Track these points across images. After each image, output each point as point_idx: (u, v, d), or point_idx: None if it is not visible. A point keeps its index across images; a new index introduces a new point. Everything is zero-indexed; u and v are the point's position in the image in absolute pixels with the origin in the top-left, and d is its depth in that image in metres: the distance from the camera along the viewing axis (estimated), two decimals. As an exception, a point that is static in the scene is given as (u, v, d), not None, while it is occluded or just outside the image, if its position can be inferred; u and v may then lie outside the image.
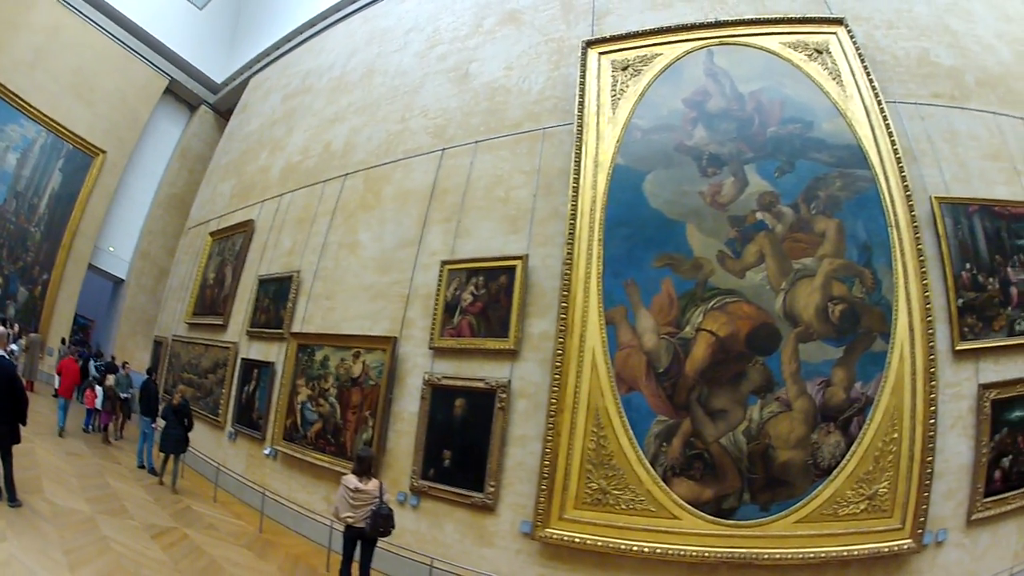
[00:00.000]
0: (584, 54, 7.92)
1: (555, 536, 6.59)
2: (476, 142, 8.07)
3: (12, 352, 11.18)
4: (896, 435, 6.30)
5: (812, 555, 6.16)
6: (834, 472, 6.27)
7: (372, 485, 6.56)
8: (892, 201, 6.73)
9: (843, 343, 6.45)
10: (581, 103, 7.46)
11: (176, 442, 9.75)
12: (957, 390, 6.68)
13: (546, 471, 6.67)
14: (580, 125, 7.34)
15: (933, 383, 6.34)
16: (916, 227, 6.66)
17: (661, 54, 7.78)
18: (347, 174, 9.22)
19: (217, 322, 11.63)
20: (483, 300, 7.48)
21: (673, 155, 7.02)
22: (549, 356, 6.91)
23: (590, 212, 6.95)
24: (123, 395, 12.44)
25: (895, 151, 6.90)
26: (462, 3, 9.90)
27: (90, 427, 12.43)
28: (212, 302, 12.30)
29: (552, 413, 6.72)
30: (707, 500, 6.36)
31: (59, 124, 14.75)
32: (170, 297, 14.73)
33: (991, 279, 6.97)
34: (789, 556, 6.16)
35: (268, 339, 10.11)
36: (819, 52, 7.54)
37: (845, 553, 6.15)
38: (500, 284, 7.39)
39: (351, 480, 6.53)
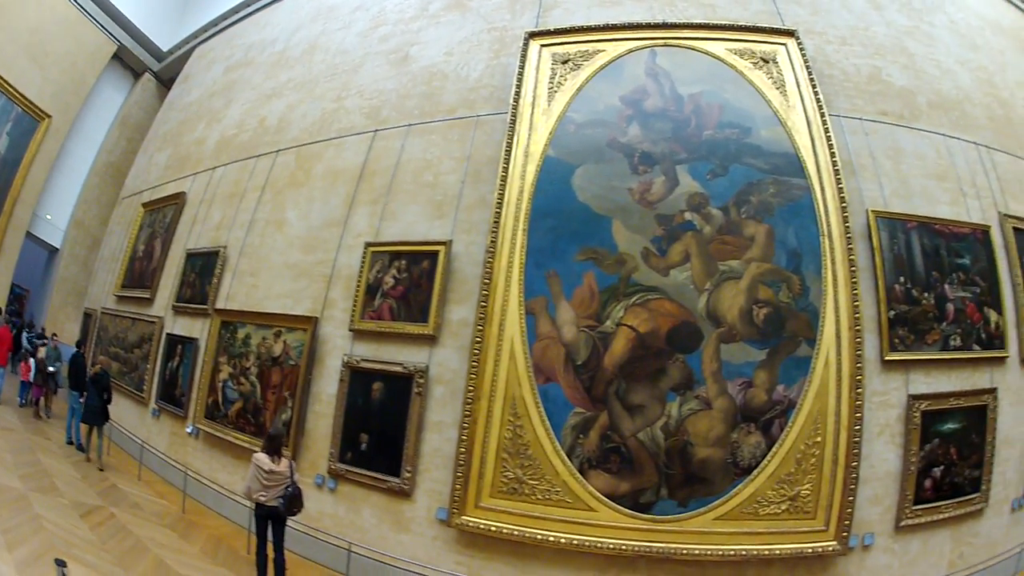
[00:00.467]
0: (526, 45, 7.49)
1: (471, 524, 6.25)
2: (409, 125, 7.57)
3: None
4: (819, 439, 6.16)
5: (733, 552, 5.98)
6: (754, 472, 6.09)
7: (284, 465, 6.21)
8: (826, 211, 6.57)
9: (767, 346, 6.26)
10: (517, 93, 7.02)
11: (96, 414, 9.18)
12: (885, 399, 6.60)
13: (462, 458, 6.31)
14: (514, 115, 6.90)
15: (859, 390, 6.22)
16: (850, 238, 6.51)
17: (604, 50, 7.42)
18: (279, 150, 8.59)
19: (144, 295, 10.79)
20: (405, 284, 6.99)
21: (605, 150, 6.68)
22: (468, 343, 6.50)
23: (517, 202, 6.55)
24: (50, 368, 11.51)
25: (834, 162, 6.73)
26: (412, -15, 9.39)
27: (24, 401, 11.79)
28: (140, 275, 11.41)
29: (469, 400, 6.33)
30: (624, 493, 6.10)
31: (11, 86, 13.50)
32: (101, 268, 13.70)
33: (926, 294, 6.91)
34: (709, 552, 5.97)
35: (193, 315, 9.39)
36: (765, 61, 7.32)
37: (767, 552, 5.99)
38: (422, 269, 6.92)
39: (263, 460, 6.11)
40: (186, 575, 6.02)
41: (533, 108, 6.94)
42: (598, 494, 6.13)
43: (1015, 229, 7.86)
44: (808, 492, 6.15)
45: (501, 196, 6.61)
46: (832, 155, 6.78)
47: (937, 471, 6.75)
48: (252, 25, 11.97)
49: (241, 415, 8.24)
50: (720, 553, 6.01)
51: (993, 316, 7.33)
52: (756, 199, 6.51)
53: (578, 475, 6.16)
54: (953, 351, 6.96)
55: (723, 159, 6.63)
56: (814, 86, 7.13)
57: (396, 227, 7.26)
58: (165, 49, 15.80)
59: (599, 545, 6.03)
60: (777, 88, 7.13)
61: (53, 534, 6.01)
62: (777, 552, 6.04)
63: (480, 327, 6.40)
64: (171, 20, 16.13)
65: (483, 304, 6.43)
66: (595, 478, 6.16)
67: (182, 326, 9.60)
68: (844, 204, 6.62)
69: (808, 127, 6.91)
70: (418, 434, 6.74)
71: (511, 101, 7.00)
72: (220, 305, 8.81)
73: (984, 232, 7.51)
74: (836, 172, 6.72)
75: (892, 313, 6.70)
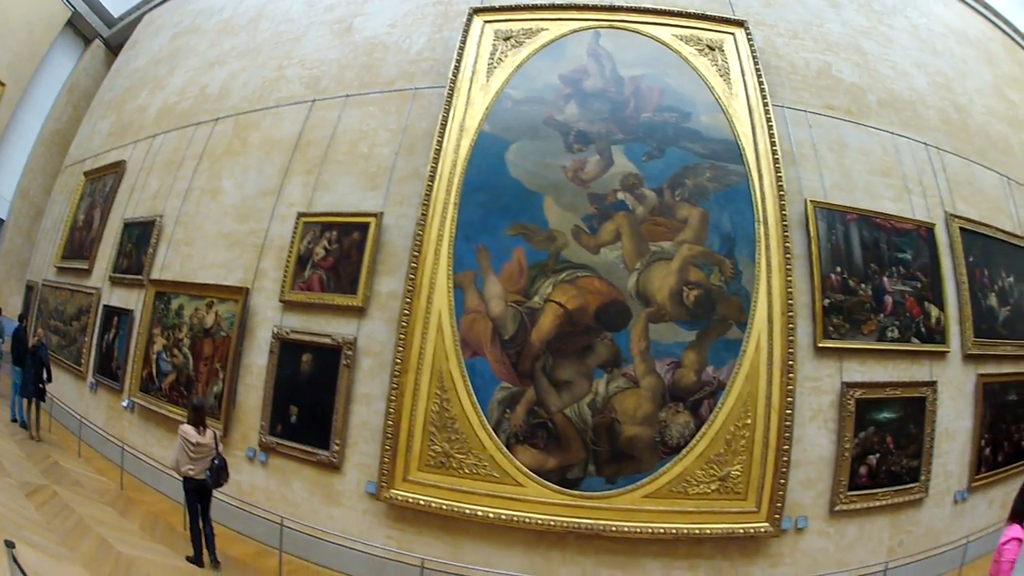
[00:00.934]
0: (469, 20, 7.46)
1: (400, 498, 6.33)
2: (347, 96, 7.53)
3: None
4: (749, 421, 6.31)
5: (663, 531, 6.12)
6: (683, 451, 6.22)
7: (208, 436, 6.30)
8: (763, 198, 6.68)
9: (696, 327, 6.39)
10: (457, 68, 7.01)
11: (35, 386, 9.12)
12: (818, 384, 6.76)
13: (390, 431, 6.37)
14: (452, 89, 6.89)
15: (791, 375, 6.37)
16: (786, 225, 6.63)
17: (547, 29, 7.45)
18: (218, 119, 8.50)
19: (83, 267, 10.61)
20: (335, 255, 7.00)
21: (541, 127, 6.73)
22: (396, 315, 6.54)
23: (449, 175, 6.58)
24: (-8, 345, 11.34)
25: (774, 151, 6.83)
26: (362, -45, 9.31)
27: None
28: (80, 246, 11.19)
29: (396, 373, 6.39)
30: (551, 469, 6.21)
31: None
32: (43, 239, 13.41)
33: (863, 285, 7.08)
34: (638, 530, 6.10)
35: (129, 285, 9.26)
36: (711, 49, 7.39)
37: (697, 531, 6.14)
38: (353, 240, 6.92)
39: (191, 432, 6.17)
40: (127, 553, 6.02)
41: (472, 83, 6.96)
42: (525, 469, 6.24)
43: (962, 229, 8.13)
44: (738, 473, 6.31)
45: (434, 169, 6.63)
46: (773, 144, 6.89)
47: (873, 458, 6.96)
48: (202, -10, 11.79)
49: (174, 387, 8.21)
50: (650, 531, 6.15)
51: (934, 311, 7.57)
52: (691, 182, 6.62)
53: (505, 450, 6.26)
54: (890, 342, 7.17)
55: (660, 142, 6.73)
56: (759, 76, 7.24)
57: (329, 198, 7.25)
58: (116, 15, 15.50)
59: (528, 520, 6.15)
60: (721, 76, 7.24)
61: (2, 515, 6.01)
62: (708, 531, 6.21)
63: (408, 300, 6.44)
64: (123, -15, 15.81)
65: (412, 277, 6.47)
66: (522, 453, 6.27)
67: (119, 297, 9.50)
68: (782, 192, 6.75)
69: (750, 115, 7.03)
70: (347, 407, 6.79)
71: (450, 75, 7.01)
72: (155, 276, 8.72)
73: (928, 230, 7.74)
74: (776, 161, 6.84)
75: (827, 301, 6.87)
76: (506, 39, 7.31)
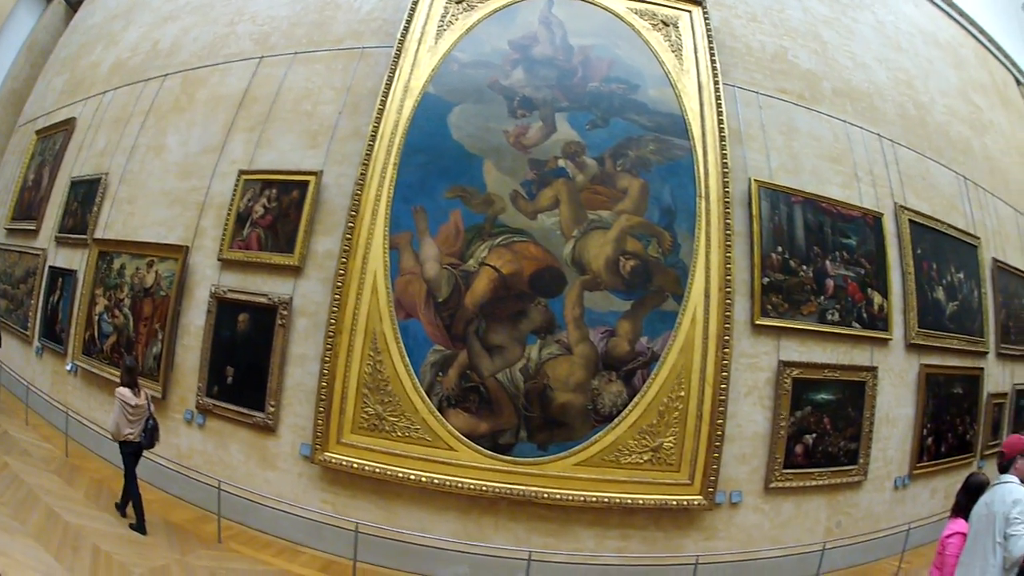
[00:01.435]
0: (421, -21, 7.55)
1: (334, 460, 6.40)
2: (295, 53, 7.54)
3: None
4: (683, 393, 6.45)
5: (595, 499, 6.24)
6: (616, 420, 6.35)
7: (143, 397, 6.33)
8: (706, 174, 6.81)
9: (632, 297, 6.51)
10: (406, 28, 7.05)
11: None
12: (754, 361, 6.92)
13: (324, 393, 6.45)
14: (400, 49, 6.92)
15: (727, 350, 6.52)
16: (728, 202, 6.77)
17: (502, -6, 7.54)
18: (167, 74, 8.46)
19: (30, 227, 10.51)
20: (274, 213, 7.01)
21: (485, 91, 6.80)
22: (332, 275, 6.60)
23: (391, 136, 6.62)
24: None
25: (721, 129, 6.95)
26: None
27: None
28: (29, 206, 11.10)
29: (331, 334, 6.46)
30: (483, 434, 6.31)
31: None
32: (-3, 201, 13.31)
33: (804, 266, 7.25)
34: (571, 498, 6.22)
35: (73, 245, 9.20)
36: (666, 24, 7.49)
37: (630, 501, 6.28)
38: (292, 198, 6.94)
39: (128, 395, 6.19)
40: (74, 523, 6.02)
41: (420, 44, 7.00)
42: (457, 433, 6.34)
43: (912, 222, 8.32)
44: (671, 445, 6.45)
45: (376, 129, 6.68)
46: (720, 121, 7.01)
47: (809, 438, 7.16)
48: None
49: (115, 349, 8.19)
50: (582, 499, 6.28)
51: (877, 298, 7.76)
52: (634, 154, 6.73)
53: (437, 413, 6.36)
54: (830, 325, 7.34)
55: (605, 112, 6.83)
56: (712, 55, 7.35)
57: (271, 155, 7.28)
58: (79, -30, 15.34)
59: (460, 485, 6.25)
60: (673, 52, 7.34)
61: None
62: (640, 502, 6.35)
63: (344, 260, 6.50)
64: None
65: (348, 236, 6.52)
66: (454, 417, 6.37)
67: (64, 258, 9.44)
68: (726, 169, 6.88)
69: (699, 92, 7.15)
70: (281, 368, 6.84)
71: (399, 36, 7.05)
72: (99, 235, 8.68)
73: (876, 218, 7.93)
74: (722, 138, 6.97)
75: (766, 280, 7.02)
76: (458, 2, 7.35)
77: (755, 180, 7.14)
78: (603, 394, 6.36)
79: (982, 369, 9.26)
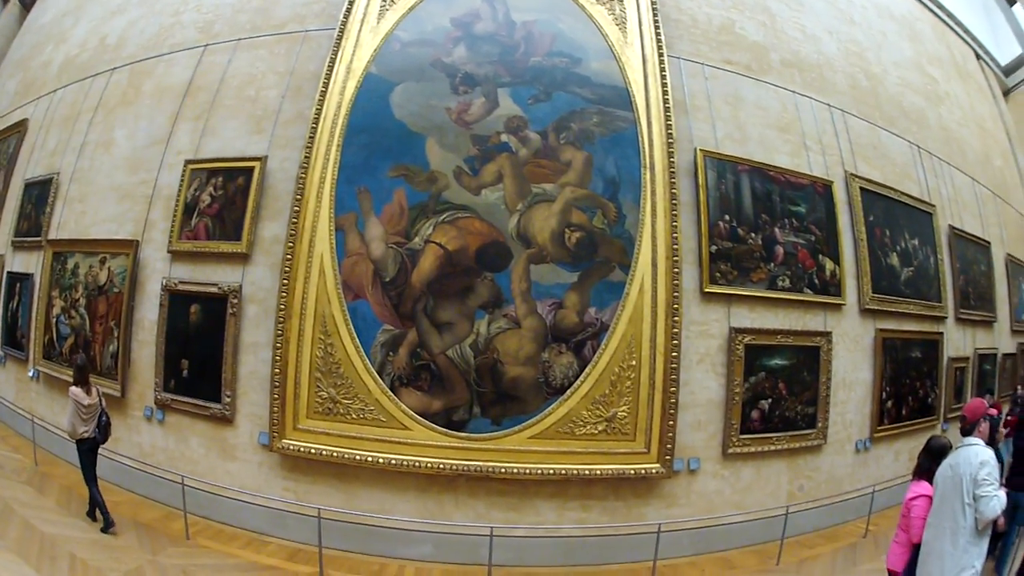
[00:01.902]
0: (363, -40, 7.53)
1: (292, 447, 6.42)
2: (238, 40, 7.52)
3: None
4: (634, 363, 6.49)
5: (552, 472, 6.29)
6: (568, 392, 6.39)
7: (95, 394, 6.35)
8: (650, 145, 6.83)
9: (578, 269, 6.54)
10: (348, 9, 7.05)
11: None
12: (705, 328, 6.99)
13: (277, 379, 6.46)
14: (342, 31, 6.95)
15: (676, 318, 6.56)
16: (673, 172, 6.80)
17: (443, -28, 7.51)
18: (114, 68, 8.40)
19: (-13, 234, 10.46)
20: (220, 202, 6.99)
21: (427, 70, 6.81)
22: (279, 261, 6.61)
23: (333, 117, 6.62)
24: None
25: (665, 100, 6.97)
26: None
27: None
28: (-15, 212, 11.06)
29: (281, 319, 6.48)
30: (437, 411, 6.34)
31: None
32: (-47, 210, 13.14)
33: (753, 234, 7.32)
34: (528, 471, 6.26)
35: (29, 248, 9.12)
36: (610, -1, 7.53)
37: (587, 472, 6.32)
38: (238, 185, 6.93)
39: (81, 394, 6.22)
40: (50, 533, 5.98)
41: (362, 25, 7.00)
42: (411, 412, 6.37)
43: (863, 189, 8.42)
44: (625, 414, 6.50)
45: (319, 112, 6.68)
46: (665, 93, 7.04)
47: (765, 403, 7.25)
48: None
49: (74, 350, 8.11)
50: (540, 472, 6.32)
51: (829, 264, 7.85)
52: (577, 126, 6.76)
53: (390, 393, 6.38)
54: (781, 291, 7.42)
55: (548, 86, 6.85)
56: (657, 27, 7.37)
57: (216, 143, 7.26)
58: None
59: (417, 464, 6.27)
60: (617, 25, 7.36)
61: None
62: (598, 472, 6.40)
63: (291, 244, 6.51)
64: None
65: (294, 220, 6.53)
66: (407, 396, 6.39)
67: (20, 262, 9.36)
68: (671, 140, 6.92)
69: (644, 65, 7.17)
70: (235, 357, 6.84)
71: (341, 17, 7.05)
72: (52, 235, 8.62)
73: (826, 186, 8.03)
74: (667, 109, 7.00)
75: (714, 248, 7.08)
76: (401, -19, 7.32)
77: (701, 150, 7.20)
78: (554, 366, 6.38)
79: (941, 333, 9.40)
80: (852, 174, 8.39)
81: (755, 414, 7.12)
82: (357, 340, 6.39)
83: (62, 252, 8.45)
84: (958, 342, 9.89)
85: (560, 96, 6.82)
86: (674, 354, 6.54)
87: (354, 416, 6.42)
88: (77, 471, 7.21)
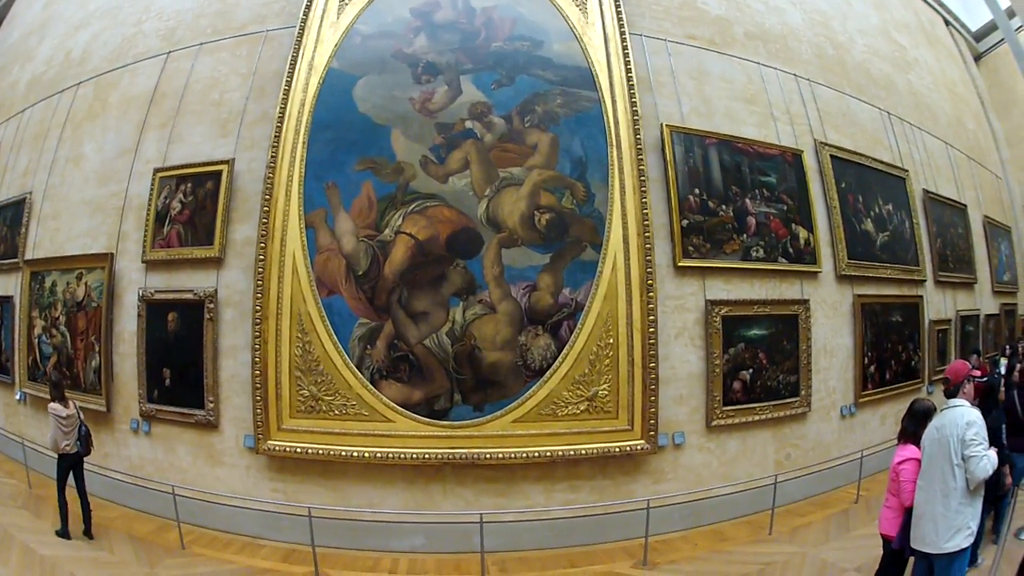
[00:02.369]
0: (321, -44, 7.49)
1: (278, 448, 6.42)
2: (200, 44, 7.51)
3: None
4: (612, 340, 6.49)
5: (537, 454, 6.29)
6: (547, 374, 6.39)
7: (72, 408, 6.34)
8: (616, 123, 6.82)
9: (550, 250, 6.54)
10: (308, 5, 7.03)
11: None
12: (681, 303, 6.99)
13: (258, 381, 6.46)
14: (303, 28, 6.94)
15: (651, 294, 6.56)
16: (640, 149, 6.79)
17: (399, -36, 7.47)
18: (80, 83, 8.38)
19: (-35, 260, 10.38)
20: (191, 207, 6.99)
21: (389, 61, 6.80)
22: (252, 262, 6.60)
23: (298, 115, 6.62)
24: None
25: (629, 78, 6.96)
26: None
27: None
28: (-38, 239, 10.98)
29: (257, 321, 6.48)
30: (418, 402, 6.35)
31: None
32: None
33: (724, 206, 7.32)
34: (513, 455, 6.27)
35: (7, 271, 9.05)
36: (569, -21, 7.49)
37: (573, 452, 6.33)
38: (207, 190, 6.93)
39: (60, 409, 6.22)
40: (49, 555, 5.95)
41: (322, 21, 6.98)
42: (393, 404, 6.37)
43: (833, 157, 8.44)
44: (606, 392, 6.51)
45: (283, 110, 6.68)
46: (628, 70, 7.04)
47: (746, 374, 7.25)
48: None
49: (57, 369, 8.06)
50: (524, 455, 6.32)
51: (803, 233, 7.86)
52: (541, 109, 6.76)
53: (370, 386, 6.38)
54: (755, 262, 7.42)
55: (510, 70, 6.85)
56: (618, 5, 7.35)
57: (183, 150, 7.25)
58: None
59: (403, 456, 6.28)
60: (577, 6, 7.33)
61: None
62: (584, 452, 6.41)
63: (263, 244, 6.51)
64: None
65: (265, 221, 6.53)
66: (388, 388, 6.39)
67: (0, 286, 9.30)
68: (636, 117, 6.92)
69: (605, 44, 7.16)
70: (215, 361, 6.84)
71: (301, 14, 7.04)
72: (29, 256, 8.57)
73: (795, 155, 8.04)
74: (631, 87, 7.00)
75: (685, 222, 7.08)
76: (359, -26, 7.29)
77: (667, 125, 7.20)
78: (532, 349, 6.39)
79: (921, 297, 9.43)
80: (822, 142, 8.40)
81: (737, 385, 7.13)
82: (334, 336, 6.39)
83: (39, 271, 8.41)
84: (939, 305, 9.93)
85: (523, 80, 6.82)
86: (651, 330, 6.54)
87: (337, 412, 6.42)
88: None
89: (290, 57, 6.87)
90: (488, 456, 6.30)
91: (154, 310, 7.14)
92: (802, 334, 7.57)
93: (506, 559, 6.18)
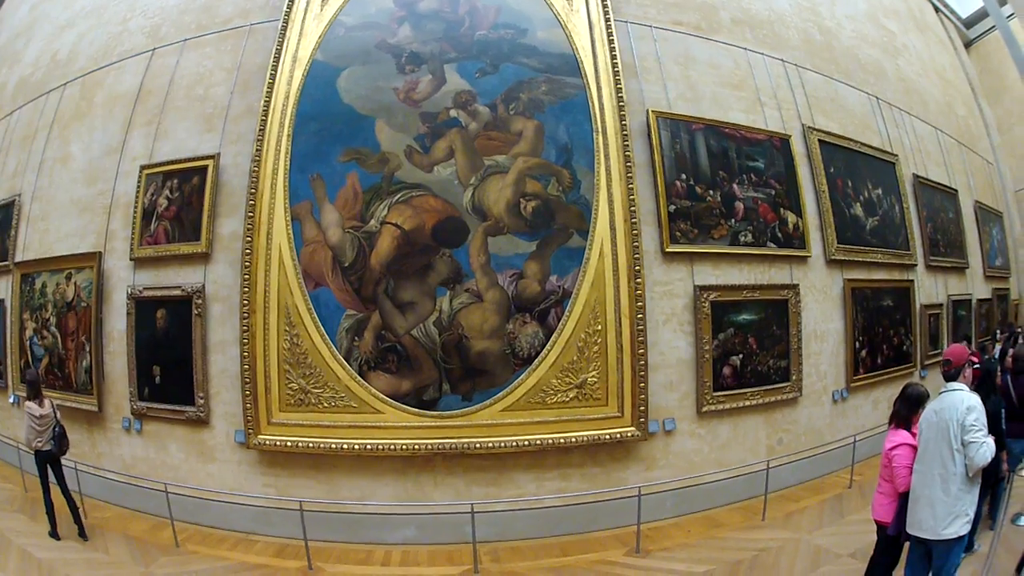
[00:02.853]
0: (304, -51, 7.46)
1: (268, 442, 6.41)
2: (184, 40, 7.49)
3: None
4: (600, 327, 6.46)
5: (527, 443, 6.27)
6: (535, 362, 6.37)
7: (48, 407, 6.35)
8: (601, 109, 6.78)
9: (536, 238, 6.52)
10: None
11: None
12: (669, 288, 6.97)
13: (247, 375, 6.44)
14: (286, 21, 6.91)
15: (639, 280, 6.53)
16: (626, 135, 6.76)
17: (383, -45, 7.44)
18: (66, 83, 8.36)
19: (-45, 265, 10.34)
20: (177, 204, 6.97)
21: (373, 52, 6.77)
22: (239, 256, 6.58)
23: (283, 108, 6.60)
24: None
25: (614, 64, 6.92)
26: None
27: None
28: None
29: (245, 315, 6.45)
30: (407, 392, 6.33)
31: None
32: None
33: (711, 191, 7.29)
34: (503, 444, 6.25)
35: (-2, 274, 9.11)
36: (553, -34, 7.44)
37: (563, 440, 6.31)
38: (193, 185, 6.91)
39: (34, 407, 6.24)
40: (46, 558, 5.93)
41: (305, 13, 6.96)
42: (381, 395, 6.36)
43: (822, 142, 8.41)
44: (595, 379, 6.48)
45: (267, 104, 6.66)
46: (613, 57, 7.00)
47: (736, 359, 7.23)
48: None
49: (49, 371, 8.06)
50: (514, 444, 6.30)
51: (791, 218, 7.83)
52: (526, 96, 6.73)
53: (359, 378, 6.37)
54: (744, 247, 7.39)
55: (494, 58, 6.82)
56: (602, -8, 7.32)
57: (169, 146, 7.23)
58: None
59: (393, 447, 6.26)
60: (562, -7, 7.30)
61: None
62: (573, 440, 6.38)
63: (249, 238, 6.49)
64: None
65: (250, 215, 6.51)
66: (376, 379, 6.38)
67: (-9, 289, 9.25)
68: (622, 104, 6.88)
69: (590, 31, 7.12)
70: (204, 357, 6.82)
71: (284, 7, 7.02)
72: (19, 258, 8.54)
73: (783, 140, 8.01)
74: (616, 73, 6.95)
75: (673, 208, 7.06)
76: (342, -35, 7.25)
77: (653, 111, 7.17)
78: (519, 337, 6.36)
79: (912, 281, 9.40)
80: (810, 127, 8.37)
81: (727, 371, 7.10)
82: (322, 328, 6.38)
83: (29, 273, 8.38)
84: (930, 289, 9.91)
85: (507, 68, 6.79)
86: (639, 316, 6.51)
87: (326, 405, 6.40)
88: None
89: (274, 50, 6.86)
90: (478, 446, 6.29)
91: (143, 308, 7.12)
92: (792, 319, 7.54)
93: (498, 549, 6.17)
